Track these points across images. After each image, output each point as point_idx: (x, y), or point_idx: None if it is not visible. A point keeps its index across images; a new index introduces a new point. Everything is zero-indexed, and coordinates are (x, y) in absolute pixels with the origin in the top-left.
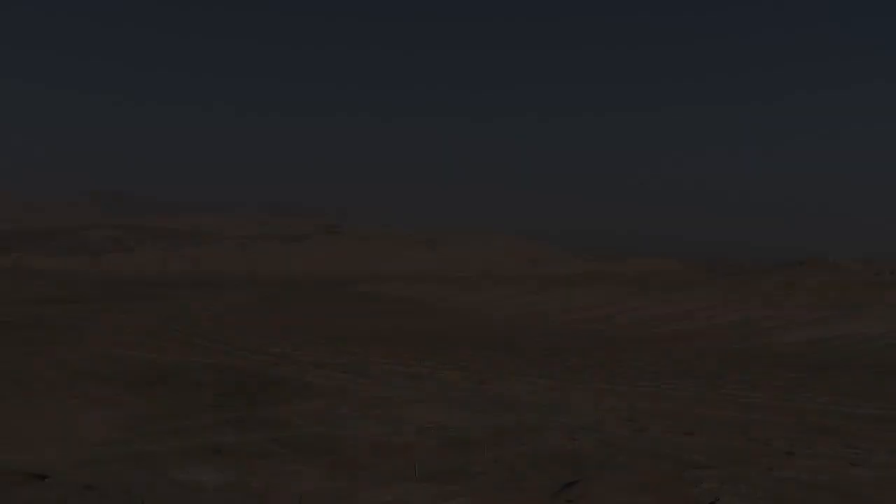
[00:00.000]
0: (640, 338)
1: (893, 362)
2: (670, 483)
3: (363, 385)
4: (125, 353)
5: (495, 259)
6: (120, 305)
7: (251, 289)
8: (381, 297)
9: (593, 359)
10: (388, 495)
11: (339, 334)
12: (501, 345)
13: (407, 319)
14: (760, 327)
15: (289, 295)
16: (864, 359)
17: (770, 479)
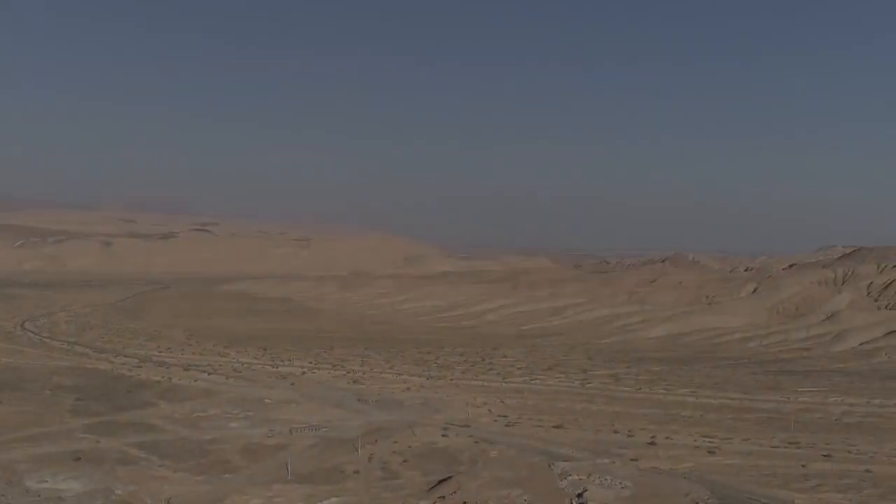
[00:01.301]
0: (512, 334)
1: (748, 355)
2: (540, 476)
3: (233, 386)
4: None
5: (370, 257)
6: None
7: (115, 288)
8: (253, 297)
9: (466, 356)
10: (258, 498)
11: (208, 334)
12: (375, 343)
13: (279, 318)
14: (626, 323)
15: (155, 294)
16: (721, 352)
17: (634, 469)
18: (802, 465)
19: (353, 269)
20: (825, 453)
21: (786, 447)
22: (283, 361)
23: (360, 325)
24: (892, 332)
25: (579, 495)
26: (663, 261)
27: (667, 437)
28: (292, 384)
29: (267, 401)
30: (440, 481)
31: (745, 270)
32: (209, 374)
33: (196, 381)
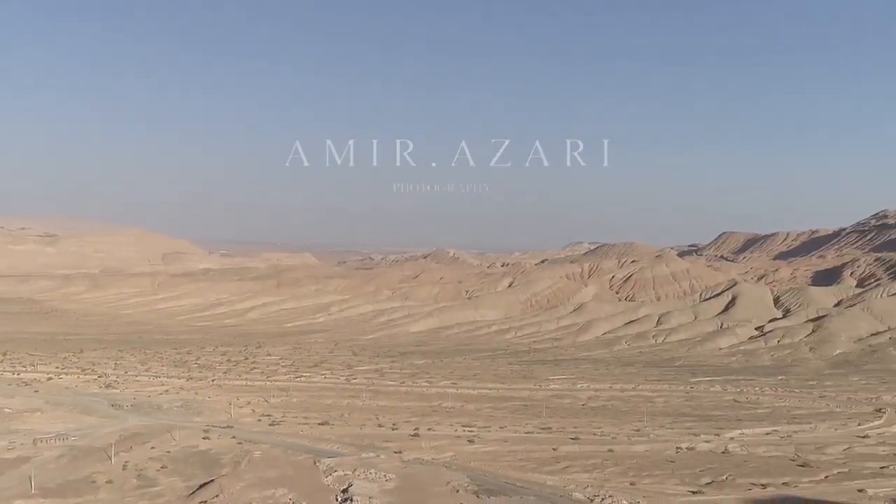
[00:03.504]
0: (276, 332)
1: (504, 346)
2: (305, 474)
3: None
4: None
5: (124, 255)
6: None
7: None
8: None
9: (228, 355)
10: None
11: None
12: (130, 344)
13: (21, 321)
14: (390, 318)
15: None
16: (480, 344)
17: (398, 461)
18: (553, 449)
19: (105, 266)
20: (573, 436)
21: (539, 432)
22: (25, 367)
23: (112, 326)
24: (631, 321)
25: (344, 490)
26: (425, 257)
27: (429, 429)
28: (36, 391)
29: (7, 410)
30: (201, 485)
31: (502, 266)
32: None
33: None
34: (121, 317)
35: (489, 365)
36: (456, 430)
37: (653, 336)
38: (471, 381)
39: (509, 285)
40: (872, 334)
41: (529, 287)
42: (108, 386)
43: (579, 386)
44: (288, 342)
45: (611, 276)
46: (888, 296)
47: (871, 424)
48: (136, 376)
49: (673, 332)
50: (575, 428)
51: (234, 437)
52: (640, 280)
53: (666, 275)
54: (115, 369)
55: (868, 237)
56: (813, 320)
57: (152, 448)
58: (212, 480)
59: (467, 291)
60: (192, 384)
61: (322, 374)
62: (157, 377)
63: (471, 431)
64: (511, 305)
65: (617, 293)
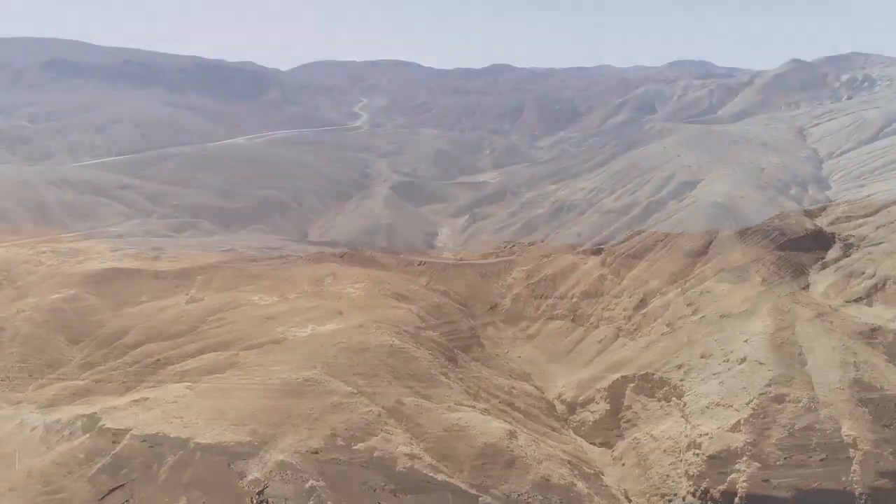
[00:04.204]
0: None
1: None
2: (219, 477)
3: None
4: None
5: None
6: None
7: None
8: None
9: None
10: None
11: None
12: None
13: None
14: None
15: None
16: None
17: (314, 462)
18: None
19: None
20: None
21: None
22: None
23: None
24: None
25: (260, 493)
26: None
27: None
28: None
29: None
30: (111, 490)
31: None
32: None
33: None
34: None
35: None
36: None
37: None
38: None
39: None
40: None
41: None
42: None
43: None
44: None
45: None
46: None
47: None
48: None
49: None
50: None
51: (144, 441)
52: None
53: None
54: None
55: None
56: None
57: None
58: (122, 485)
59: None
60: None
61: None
62: None
63: None
64: None
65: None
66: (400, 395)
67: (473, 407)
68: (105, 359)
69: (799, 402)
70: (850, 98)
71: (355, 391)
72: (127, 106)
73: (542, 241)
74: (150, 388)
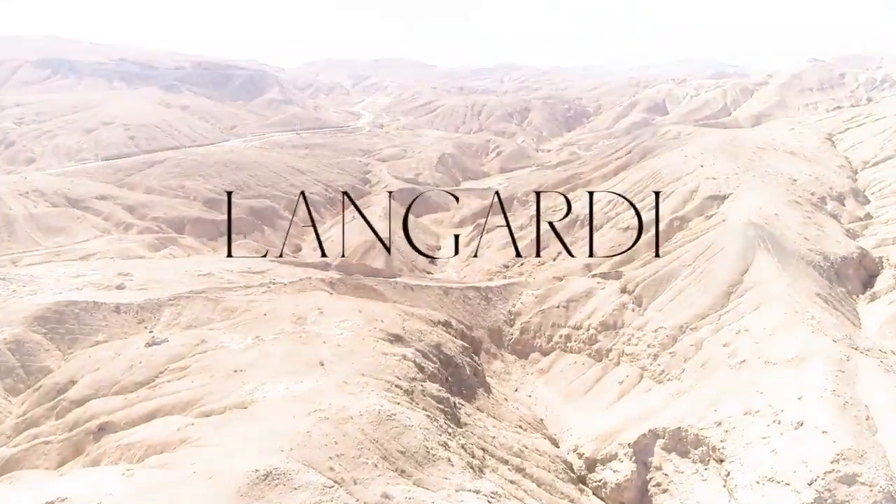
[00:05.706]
0: None
1: None
2: None
3: None
4: None
5: None
6: None
7: None
8: None
9: None
10: None
11: None
12: None
13: None
14: None
15: None
16: None
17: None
18: None
19: None
20: None
21: None
22: None
23: None
24: None
25: None
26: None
27: None
28: None
29: None
30: None
31: None
32: None
33: None
34: None
35: None
36: None
37: None
38: None
39: None
40: None
41: None
42: None
43: None
44: None
45: None
46: None
47: None
48: None
49: None
50: None
51: None
52: None
53: None
54: None
55: None
56: None
57: None
58: None
59: None
60: None
61: None
62: None
63: None
64: None
65: None
66: (387, 485)
67: (478, 491)
68: (46, 416)
69: (874, 485)
70: (869, 99)
71: (330, 483)
72: (119, 107)
73: (554, 261)
74: (86, 464)
